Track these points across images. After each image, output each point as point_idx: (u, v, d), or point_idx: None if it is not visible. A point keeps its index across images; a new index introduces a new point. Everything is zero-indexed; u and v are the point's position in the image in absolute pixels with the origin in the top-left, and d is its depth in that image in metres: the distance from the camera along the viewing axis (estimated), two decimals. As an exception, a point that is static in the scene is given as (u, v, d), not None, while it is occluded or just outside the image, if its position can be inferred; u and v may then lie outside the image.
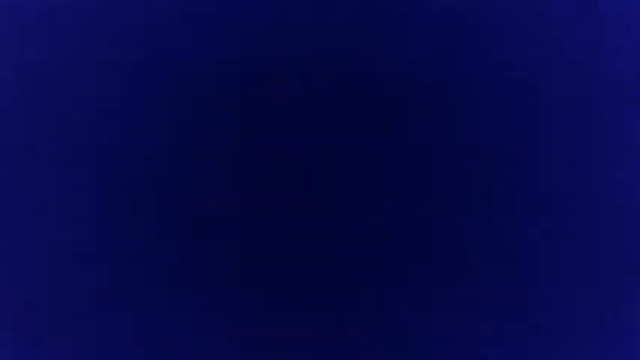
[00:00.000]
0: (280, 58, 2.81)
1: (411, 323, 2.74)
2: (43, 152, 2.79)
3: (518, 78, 2.81)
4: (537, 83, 2.82)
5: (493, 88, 2.81)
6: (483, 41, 2.82)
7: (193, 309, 2.74)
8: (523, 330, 2.75)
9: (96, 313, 2.74)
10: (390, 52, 2.81)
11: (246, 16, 2.82)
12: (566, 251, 2.77)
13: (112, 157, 2.78)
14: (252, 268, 2.75)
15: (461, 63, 2.81)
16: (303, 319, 2.74)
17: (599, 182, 2.79)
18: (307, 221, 2.76)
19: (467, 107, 2.80)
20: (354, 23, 2.81)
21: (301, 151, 2.78)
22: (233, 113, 2.79)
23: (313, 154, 2.78)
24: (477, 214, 2.77)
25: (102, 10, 2.83)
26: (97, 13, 2.83)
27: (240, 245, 2.76)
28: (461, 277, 2.75)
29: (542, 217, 2.78)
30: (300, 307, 2.74)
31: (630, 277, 2.77)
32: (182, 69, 2.80)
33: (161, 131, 2.79)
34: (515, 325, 2.75)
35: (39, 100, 2.81)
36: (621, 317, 2.76)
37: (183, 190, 2.77)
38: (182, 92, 2.80)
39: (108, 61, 2.81)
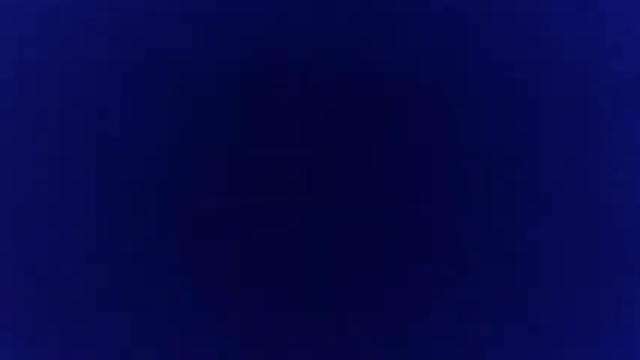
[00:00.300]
0: (280, 58, 2.81)
1: (411, 323, 2.74)
2: (43, 152, 2.79)
3: (518, 78, 2.82)
4: (537, 83, 2.82)
5: (493, 88, 2.81)
6: (483, 41, 2.82)
7: (193, 309, 2.74)
8: (523, 330, 2.75)
9: (96, 313, 2.74)
10: (390, 52, 2.81)
11: (247, 16, 2.82)
12: (566, 251, 2.77)
13: (112, 157, 2.78)
14: (252, 268, 2.75)
15: (461, 63, 2.81)
16: (303, 319, 2.74)
17: (599, 182, 2.79)
18: (307, 221, 2.76)
19: (467, 107, 2.80)
20: (354, 23, 2.81)
21: (301, 151, 2.78)
22: (233, 113, 2.79)
23: (313, 154, 2.78)
24: (477, 214, 2.77)
25: (102, 10, 2.83)
26: (97, 13, 2.83)
27: (240, 245, 2.76)
28: (461, 277, 2.75)
29: (542, 217, 2.78)
30: (300, 308, 2.74)
31: (630, 277, 2.77)
32: (182, 69, 2.80)
33: (161, 131, 2.79)
34: (515, 325, 2.75)
35: (39, 100, 2.81)
36: (621, 317, 2.76)
37: (184, 190, 2.77)
38: (182, 92, 2.80)
39: (108, 61, 2.81)
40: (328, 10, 2.81)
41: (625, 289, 2.76)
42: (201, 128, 2.79)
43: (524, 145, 2.79)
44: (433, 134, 2.79)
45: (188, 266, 2.75)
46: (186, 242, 2.76)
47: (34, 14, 2.83)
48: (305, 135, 2.78)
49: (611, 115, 2.81)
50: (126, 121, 2.79)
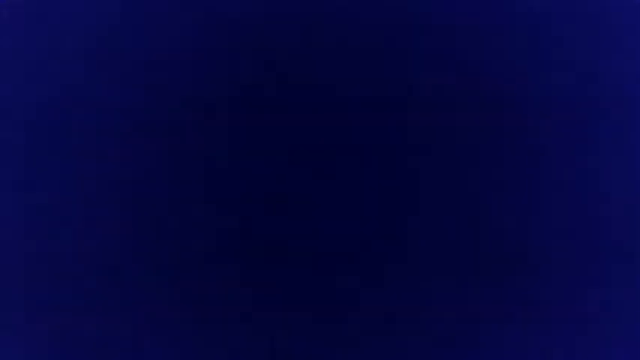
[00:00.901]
0: (279, 55, 2.82)
1: (410, 323, 2.74)
2: (43, 152, 2.81)
3: (518, 78, 2.82)
4: (536, 84, 2.82)
5: (493, 88, 2.81)
6: (483, 42, 2.82)
7: (192, 308, 2.75)
8: (523, 330, 2.74)
9: (96, 312, 2.75)
10: (390, 54, 2.82)
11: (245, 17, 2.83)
12: (567, 252, 2.77)
13: (112, 158, 2.80)
14: (252, 268, 2.75)
15: (460, 63, 2.82)
16: (302, 319, 2.74)
17: (600, 183, 2.79)
18: (307, 221, 2.76)
19: (466, 107, 2.81)
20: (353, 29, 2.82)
21: (303, 150, 2.78)
22: (231, 117, 2.80)
23: (315, 152, 2.78)
24: (477, 214, 2.77)
25: (103, 14, 2.85)
26: (98, 17, 2.85)
27: (240, 245, 2.76)
28: (461, 277, 2.75)
29: (543, 218, 2.78)
30: (299, 308, 2.74)
31: (633, 278, 2.76)
32: (180, 81, 2.81)
33: (160, 135, 2.80)
34: (516, 325, 2.74)
35: (39, 100, 2.83)
36: (622, 318, 2.75)
37: (181, 193, 2.78)
38: (182, 99, 2.81)
39: (109, 61, 2.83)
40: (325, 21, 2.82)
41: (626, 290, 2.76)
42: (198, 135, 2.80)
43: (523, 145, 2.80)
44: (433, 135, 2.80)
45: (188, 266, 2.76)
46: (186, 242, 2.77)
47: (34, 14, 2.85)
48: (305, 131, 2.79)
49: (612, 116, 2.82)
50: (126, 122, 2.81)
